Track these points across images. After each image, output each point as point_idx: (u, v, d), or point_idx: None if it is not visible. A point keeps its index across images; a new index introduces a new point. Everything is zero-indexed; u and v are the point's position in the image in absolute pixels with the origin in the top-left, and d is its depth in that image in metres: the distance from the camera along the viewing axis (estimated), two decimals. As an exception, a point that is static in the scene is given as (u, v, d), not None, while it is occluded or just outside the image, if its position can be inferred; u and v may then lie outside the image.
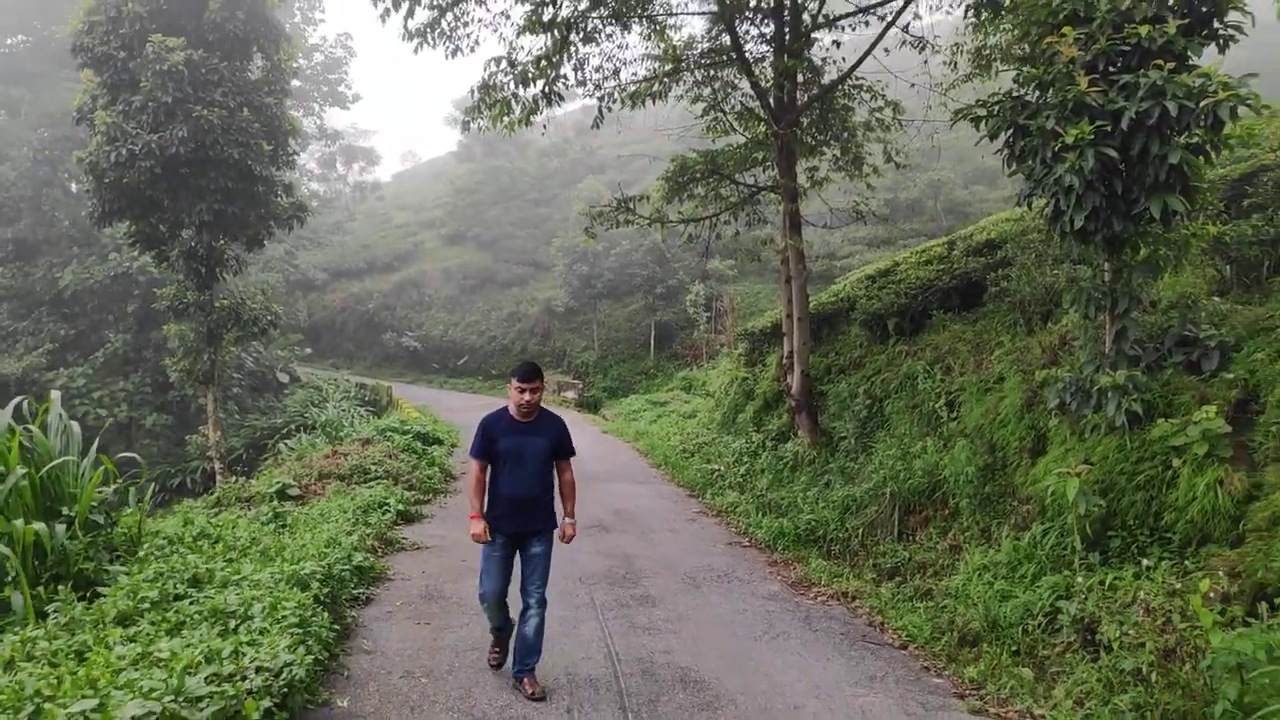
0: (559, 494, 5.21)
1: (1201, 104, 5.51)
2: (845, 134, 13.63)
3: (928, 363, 9.95)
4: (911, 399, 9.92)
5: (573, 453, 5.25)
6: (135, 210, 14.48)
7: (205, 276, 14.52)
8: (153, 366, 25.67)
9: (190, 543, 6.62)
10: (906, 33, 12.30)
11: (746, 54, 12.02)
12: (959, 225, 28.10)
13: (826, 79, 12.96)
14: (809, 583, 7.97)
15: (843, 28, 12.71)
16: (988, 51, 11.37)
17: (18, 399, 6.12)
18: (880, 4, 12.18)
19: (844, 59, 12.54)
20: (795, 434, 12.32)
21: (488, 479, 5.01)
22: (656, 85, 12.17)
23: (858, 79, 13.02)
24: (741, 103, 13.29)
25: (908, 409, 9.92)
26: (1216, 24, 6.16)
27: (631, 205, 14.16)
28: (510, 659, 5.13)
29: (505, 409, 5.08)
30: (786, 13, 11.71)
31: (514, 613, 5.24)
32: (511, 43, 10.40)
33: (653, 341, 33.43)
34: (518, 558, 5.11)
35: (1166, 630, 4.86)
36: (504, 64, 10.08)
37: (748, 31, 12.60)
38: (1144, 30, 5.80)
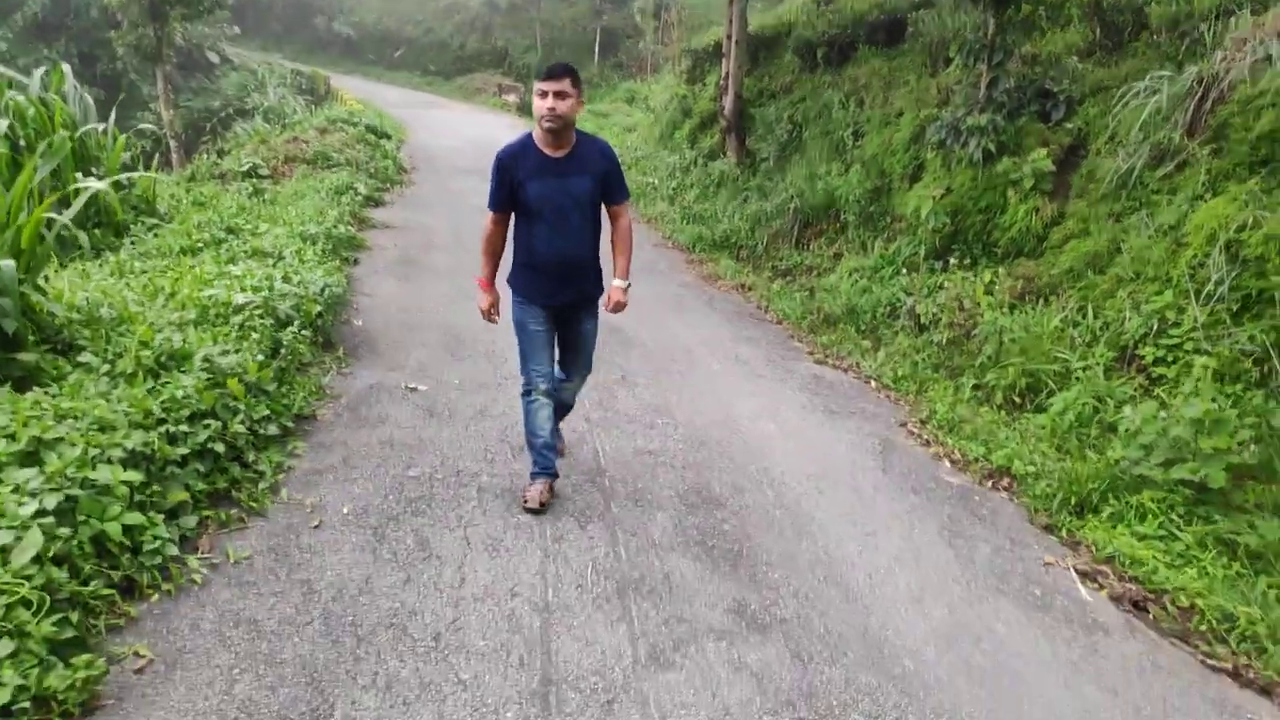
0: (612, 251, 3.92)
1: (1085, -118, 6.38)
2: None
3: (844, 94, 11.04)
4: (826, 127, 11.11)
5: (627, 194, 3.93)
6: None
7: (144, -55, 14.15)
8: (77, 35, 24.70)
9: (193, 207, 7.78)
10: None
11: None
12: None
13: None
14: (717, 277, 9.61)
15: None
16: None
17: (41, 70, 6.87)
18: None
19: None
20: (724, 153, 13.47)
21: (512, 235, 3.81)
22: None
23: None
24: None
25: (821, 135, 11.14)
26: None
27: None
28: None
29: (528, 137, 3.70)
30: None
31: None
32: None
33: (597, 48, 32.89)
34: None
35: (962, 311, 6.63)
36: None
37: None
38: None
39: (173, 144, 15.13)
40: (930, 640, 3.08)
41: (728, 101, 13.00)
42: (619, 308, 3.92)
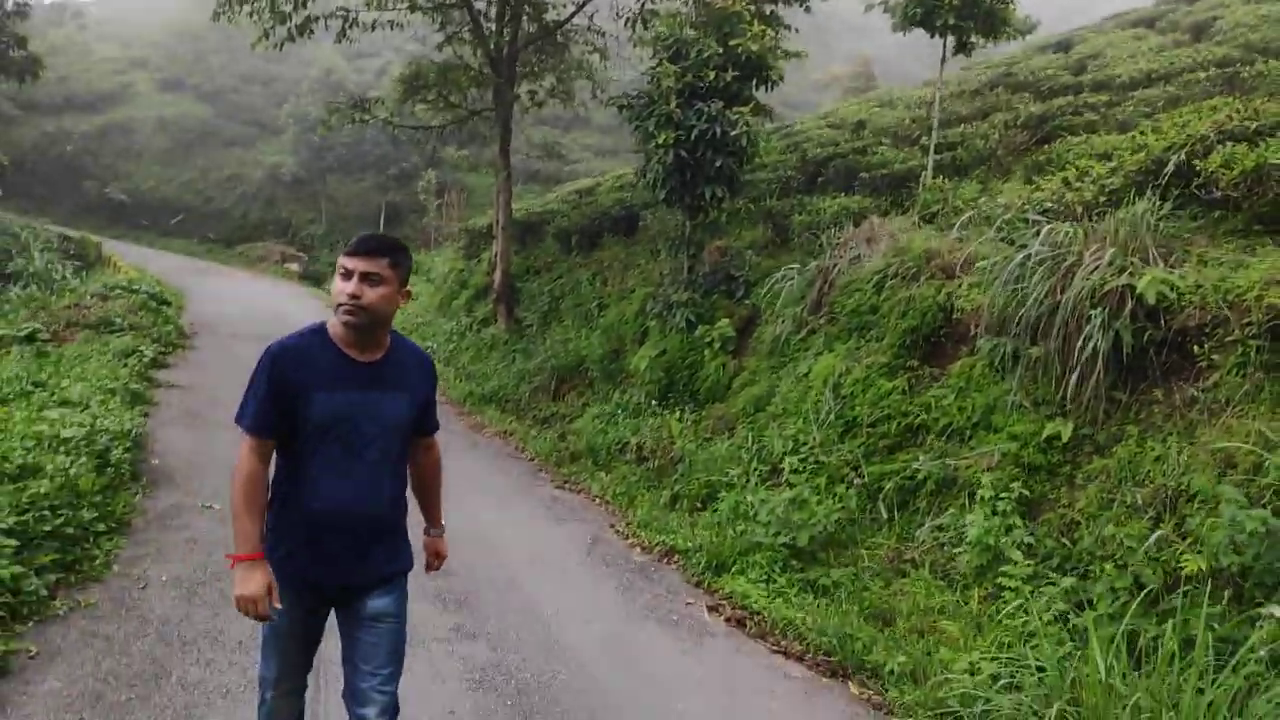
0: (417, 494, 3.01)
1: (734, 132, 8.94)
2: (561, 67, 16.44)
3: (592, 274, 13.26)
4: (577, 301, 13.22)
5: (437, 424, 3.02)
6: None
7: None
8: None
9: (-20, 369, 8.38)
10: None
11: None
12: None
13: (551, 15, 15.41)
14: (483, 425, 11.09)
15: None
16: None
17: None
18: None
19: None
20: (495, 321, 15.27)
21: (276, 474, 2.64)
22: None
23: (573, 26, 15.64)
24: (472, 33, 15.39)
25: (574, 307, 13.22)
26: (765, 73, 9.62)
27: (368, 105, 16.06)
28: None
29: (319, 328, 2.66)
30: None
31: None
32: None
33: (383, 222, 34.59)
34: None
35: (668, 443, 8.49)
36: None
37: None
38: (711, 74, 9.09)
39: (-68, 309, 14.94)
40: (592, 642, 4.57)
41: (498, 276, 14.93)
42: (442, 560, 3.07)
